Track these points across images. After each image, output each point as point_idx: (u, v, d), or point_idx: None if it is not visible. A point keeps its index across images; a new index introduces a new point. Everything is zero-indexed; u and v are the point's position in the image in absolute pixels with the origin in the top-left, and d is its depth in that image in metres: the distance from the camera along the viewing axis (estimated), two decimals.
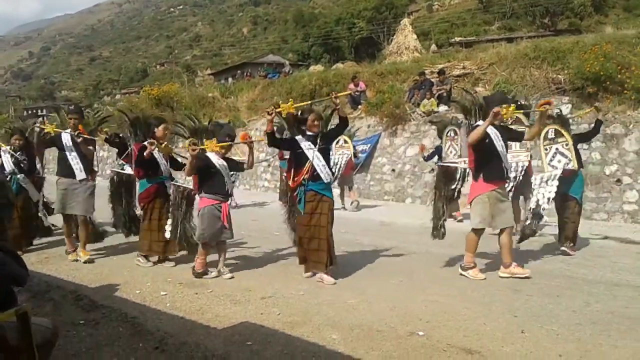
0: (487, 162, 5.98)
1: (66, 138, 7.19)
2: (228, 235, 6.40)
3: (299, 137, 6.17)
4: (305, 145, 6.08)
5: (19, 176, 8.17)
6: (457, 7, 68.38)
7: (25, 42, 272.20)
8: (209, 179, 6.25)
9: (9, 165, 8.15)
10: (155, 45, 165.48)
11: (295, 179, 6.19)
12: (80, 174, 7.19)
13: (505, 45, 17.75)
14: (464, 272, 6.25)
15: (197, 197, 6.62)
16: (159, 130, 7.00)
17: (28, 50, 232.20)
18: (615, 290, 5.69)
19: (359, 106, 16.33)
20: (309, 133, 6.16)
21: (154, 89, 25.60)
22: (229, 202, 6.54)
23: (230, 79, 40.27)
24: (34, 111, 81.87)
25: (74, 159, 7.18)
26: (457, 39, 40.51)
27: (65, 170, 7.25)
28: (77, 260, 7.29)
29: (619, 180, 10.69)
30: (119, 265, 7.15)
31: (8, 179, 7.96)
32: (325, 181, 6.15)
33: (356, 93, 16.40)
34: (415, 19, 61.05)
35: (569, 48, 13.12)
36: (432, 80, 15.16)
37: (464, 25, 57.18)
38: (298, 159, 6.20)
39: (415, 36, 32.13)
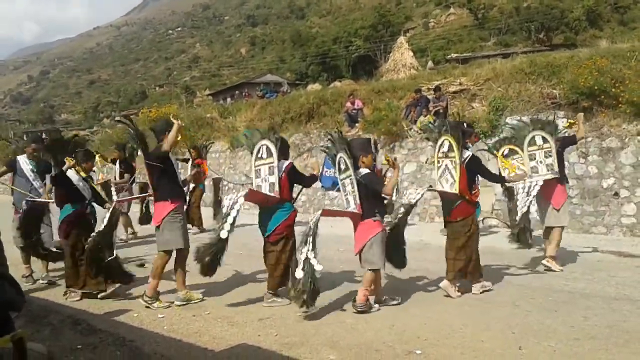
0: None
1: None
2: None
3: None
4: None
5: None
6: (453, 23, 69.08)
7: (24, 66, 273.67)
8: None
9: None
10: (154, 67, 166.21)
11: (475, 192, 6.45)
12: None
13: (501, 60, 17.85)
14: None
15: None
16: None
17: (27, 74, 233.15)
18: (614, 304, 5.69)
19: (356, 124, 16.39)
20: None
21: (152, 111, 25.70)
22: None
23: (228, 99, 40.38)
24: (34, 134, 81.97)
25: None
26: (454, 55, 40.81)
27: None
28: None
29: (616, 194, 10.70)
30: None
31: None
32: None
33: (353, 111, 16.48)
34: (412, 36, 61.69)
35: (564, 63, 13.18)
36: (429, 97, 15.23)
37: (460, 41, 57.72)
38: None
39: (411, 53, 32.46)
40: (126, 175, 11.12)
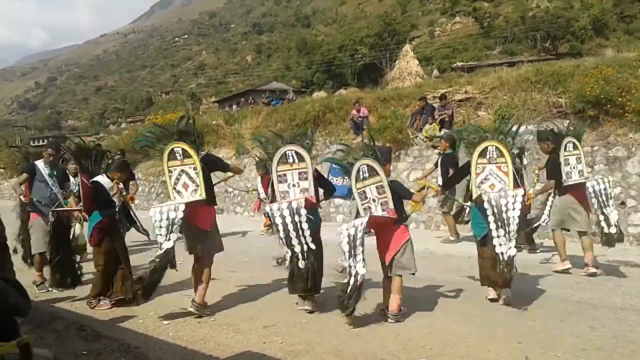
0: None
1: None
2: None
3: None
4: None
5: None
6: (459, 32, 69.15)
7: (32, 73, 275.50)
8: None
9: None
10: (160, 74, 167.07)
11: None
12: None
13: (507, 69, 17.89)
14: None
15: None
16: None
17: (34, 81, 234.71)
18: (621, 314, 5.65)
19: (362, 132, 16.40)
20: None
21: (158, 118, 25.81)
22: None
23: (234, 106, 40.50)
24: (41, 141, 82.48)
25: None
26: (459, 63, 40.95)
27: None
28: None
29: (623, 203, 10.64)
30: None
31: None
32: None
33: (359, 119, 16.50)
34: (417, 44, 61.81)
35: (570, 72, 13.18)
36: (434, 105, 15.23)
37: (465, 50, 57.83)
38: None
39: (417, 62, 32.45)
40: (131, 183, 11.08)
